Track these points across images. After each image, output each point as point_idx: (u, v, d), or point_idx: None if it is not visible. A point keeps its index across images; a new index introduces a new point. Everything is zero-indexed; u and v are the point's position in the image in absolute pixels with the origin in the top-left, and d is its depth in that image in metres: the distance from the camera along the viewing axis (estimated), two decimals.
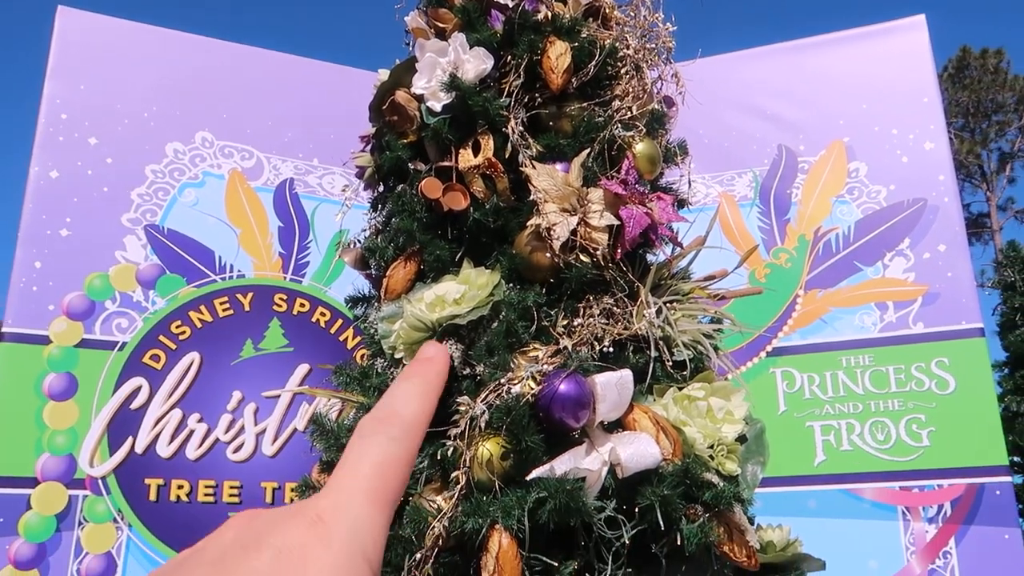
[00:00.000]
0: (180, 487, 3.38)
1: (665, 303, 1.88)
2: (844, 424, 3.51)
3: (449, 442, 1.63)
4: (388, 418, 0.43)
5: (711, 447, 1.71)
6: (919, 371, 3.48)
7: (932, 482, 3.38)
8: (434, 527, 1.53)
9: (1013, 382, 15.81)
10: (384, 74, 2.20)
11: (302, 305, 3.77)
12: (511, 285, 1.83)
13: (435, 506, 1.59)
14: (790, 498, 3.45)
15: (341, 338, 3.81)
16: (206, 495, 3.40)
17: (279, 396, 3.60)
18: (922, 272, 3.59)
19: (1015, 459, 15.56)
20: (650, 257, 2.02)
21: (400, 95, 2.07)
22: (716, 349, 1.92)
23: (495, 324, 1.75)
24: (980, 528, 3.28)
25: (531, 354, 1.72)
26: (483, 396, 1.62)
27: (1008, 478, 3.31)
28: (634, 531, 1.56)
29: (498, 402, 1.60)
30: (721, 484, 1.63)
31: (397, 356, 1.79)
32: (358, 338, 3.68)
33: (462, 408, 1.63)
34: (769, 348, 3.68)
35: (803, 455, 3.52)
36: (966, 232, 3.70)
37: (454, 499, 1.56)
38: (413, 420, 0.43)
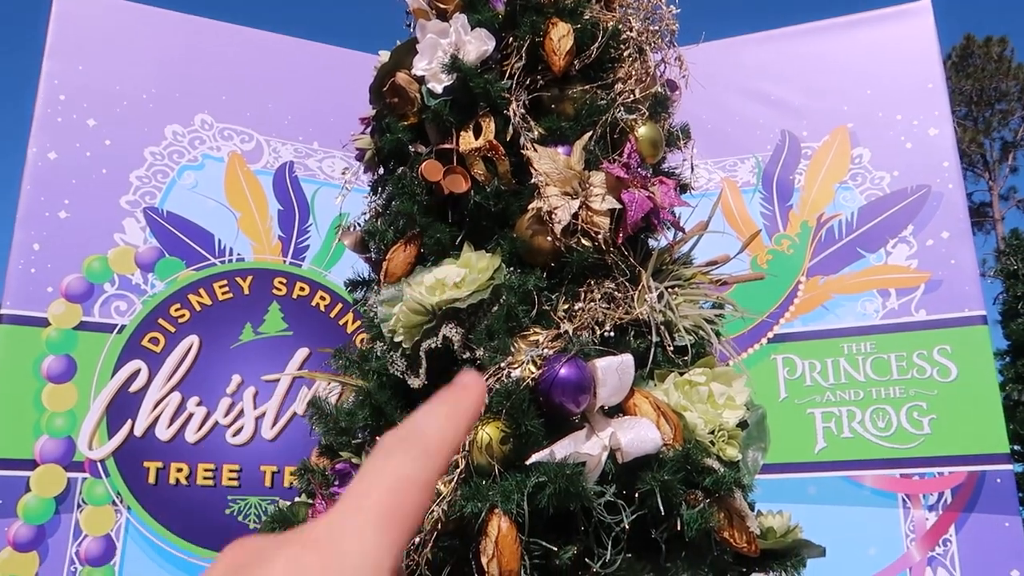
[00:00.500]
0: (179, 470, 3.38)
1: (667, 288, 1.87)
2: (845, 411, 3.50)
3: None
4: (410, 437, 0.39)
5: (712, 432, 1.70)
6: (921, 358, 3.47)
7: (933, 470, 3.37)
8: (433, 511, 1.53)
9: (1015, 370, 15.81)
10: (385, 55, 2.18)
11: (302, 289, 3.76)
12: (512, 269, 1.82)
13: (434, 490, 1.58)
14: (790, 485, 3.45)
15: (341, 322, 3.80)
16: (205, 478, 3.40)
17: (279, 380, 3.60)
18: (925, 259, 3.57)
19: (1016, 448, 15.57)
20: (652, 242, 2.01)
21: (401, 77, 2.05)
22: (718, 335, 1.91)
23: (495, 308, 1.74)
24: (980, 516, 3.28)
25: (531, 338, 1.71)
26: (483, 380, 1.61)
27: (1009, 466, 3.31)
28: (634, 516, 1.55)
29: (498, 386, 1.59)
30: (722, 470, 1.63)
31: (396, 339, 1.78)
32: (358, 322, 3.67)
33: None
34: (771, 334, 3.68)
35: (804, 442, 3.51)
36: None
37: (453, 483, 1.55)
38: (438, 442, 0.39)
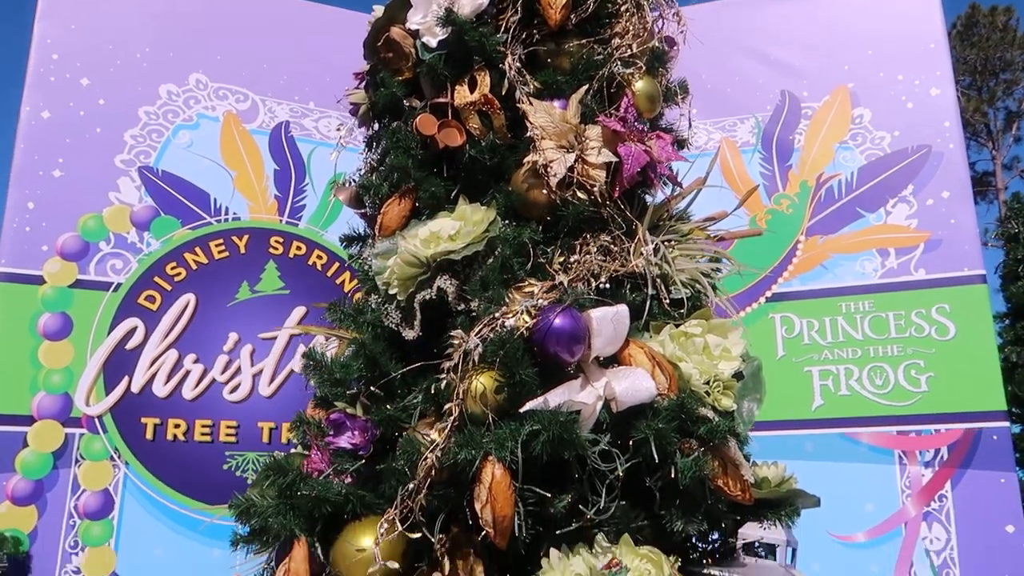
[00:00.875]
0: (177, 426, 3.40)
1: (663, 242, 1.86)
2: (843, 369, 3.51)
3: (443, 376, 1.62)
4: None
5: (707, 383, 1.70)
6: (919, 317, 3.47)
7: (930, 427, 3.39)
8: (427, 458, 1.53)
9: (1014, 332, 15.81)
10: (379, 10, 2.15)
11: (298, 248, 3.76)
12: (507, 222, 1.81)
13: (428, 438, 1.58)
14: (787, 442, 3.46)
15: (338, 281, 3.80)
16: (203, 434, 3.43)
17: (275, 337, 3.61)
18: (925, 219, 3.56)
19: (1014, 410, 15.62)
20: (648, 197, 1.99)
21: (395, 31, 2.02)
22: (714, 288, 1.90)
23: (490, 260, 1.73)
24: (976, 472, 3.29)
25: (526, 289, 1.70)
26: (477, 330, 1.60)
27: (1005, 423, 3.32)
28: (628, 464, 1.55)
29: (492, 336, 1.59)
30: (716, 419, 1.62)
31: (391, 292, 1.78)
32: (355, 281, 3.67)
33: (456, 342, 1.62)
34: (769, 293, 3.68)
35: (801, 399, 3.53)
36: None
37: (447, 431, 1.55)
38: None
